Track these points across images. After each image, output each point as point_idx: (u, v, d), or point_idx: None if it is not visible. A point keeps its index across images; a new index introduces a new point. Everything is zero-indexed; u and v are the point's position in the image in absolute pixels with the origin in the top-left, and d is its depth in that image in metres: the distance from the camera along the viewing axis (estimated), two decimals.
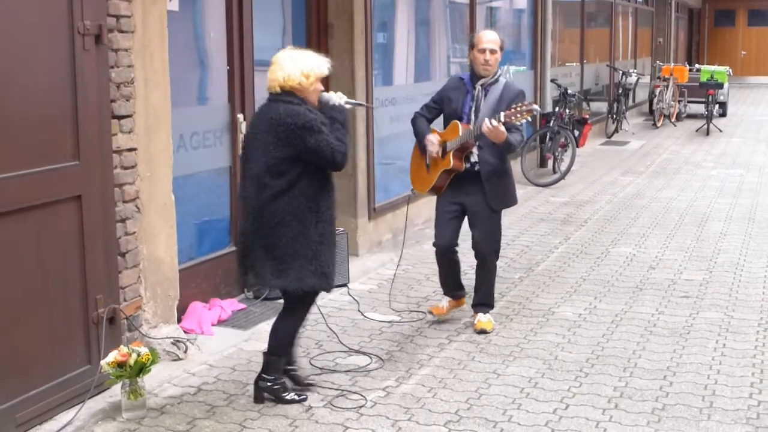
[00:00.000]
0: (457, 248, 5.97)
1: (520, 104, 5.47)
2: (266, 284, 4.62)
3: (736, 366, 5.28)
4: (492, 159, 5.70)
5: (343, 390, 4.92)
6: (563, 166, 12.20)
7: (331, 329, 5.71)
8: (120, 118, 4.93)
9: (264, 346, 4.84)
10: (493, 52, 5.67)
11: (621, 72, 17.68)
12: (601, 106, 17.58)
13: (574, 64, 15.99)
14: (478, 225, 5.83)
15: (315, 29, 7.61)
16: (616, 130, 17.23)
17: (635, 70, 18.69)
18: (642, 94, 20.94)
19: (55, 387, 4.51)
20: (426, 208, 8.39)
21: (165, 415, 4.62)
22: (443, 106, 5.87)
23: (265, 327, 5.42)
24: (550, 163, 12.65)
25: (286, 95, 4.49)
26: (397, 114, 8.56)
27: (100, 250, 4.78)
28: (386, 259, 7.64)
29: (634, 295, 6.75)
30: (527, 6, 13.04)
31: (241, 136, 5.89)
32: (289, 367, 4.84)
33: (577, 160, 12.41)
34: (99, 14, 4.71)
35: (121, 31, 4.89)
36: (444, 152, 5.70)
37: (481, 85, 5.73)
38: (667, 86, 19.22)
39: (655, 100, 18.98)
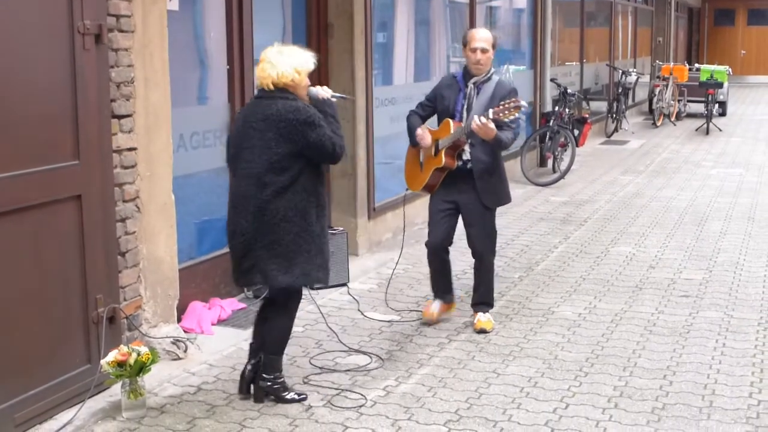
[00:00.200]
0: (449, 248, 5.97)
1: (507, 101, 5.49)
2: (272, 282, 4.56)
3: (735, 365, 5.29)
4: (484, 156, 5.70)
5: (342, 389, 4.92)
6: (563, 166, 12.20)
7: (330, 329, 5.71)
8: (120, 117, 4.93)
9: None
10: (484, 51, 5.68)
11: (621, 71, 17.68)
12: (600, 106, 17.57)
13: (574, 63, 15.99)
14: (472, 223, 5.84)
15: (315, 29, 7.62)
16: (615, 130, 17.24)
17: (635, 70, 18.70)
18: (642, 94, 20.95)
19: (55, 386, 4.51)
20: (425, 207, 8.32)
21: (165, 414, 4.62)
22: (437, 104, 5.89)
23: None
24: (549, 162, 12.65)
25: (281, 92, 4.51)
26: (397, 113, 8.56)
27: (100, 250, 4.78)
28: (386, 259, 7.65)
29: (634, 294, 6.75)
30: (527, 5, 13.04)
31: None
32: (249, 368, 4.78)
33: (577, 160, 12.41)
34: (99, 14, 4.71)
35: (121, 31, 4.89)
36: (436, 150, 5.71)
37: (474, 83, 5.74)
38: (667, 85, 19.22)
39: (655, 100, 18.97)
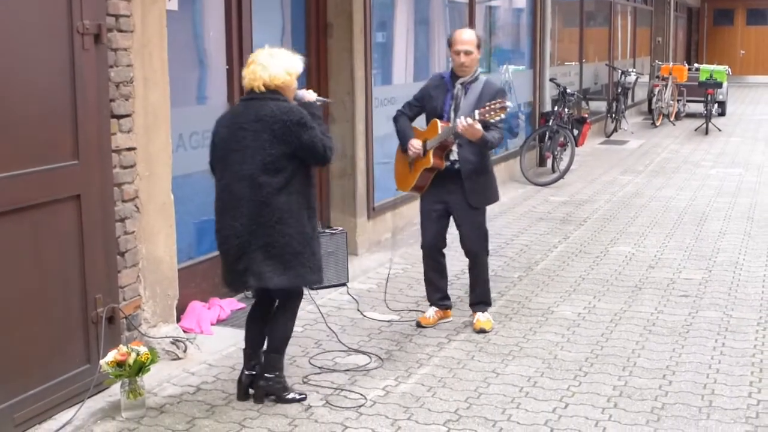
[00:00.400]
0: (443, 249, 5.97)
1: (493, 102, 5.49)
2: (267, 284, 4.54)
3: (735, 365, 5.29)
4: (471, 156, 5.71)
5: (342, 389, 4.92)
6: (562, 165, 12.20)
7: (330, 328, 5.71)
8: (119, 117, 4.93)
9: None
10: (468, 53, 5.68)
11: (620, 71, 17.69)
12: (600, 106, 17.58)
13: (573, 63, 16.00)
14: (462, 223, 5.84)
15: (314, 29, 7.62)
16: (615, 130, 17.24)
17: (634, 70, 18.71)
18: (641, 94, 20.96)
19: (54, 386, 4.51)
20: None
21: (164, 414, 4.62)
22: (424, 104, 5.89)
23: None
24: (549, 162, 12.64)
25: (272, 93, 4.51)
26: None
27: (99, 250, 4.78)
28: (385, 259, 7.64)
29: (634, 294, 6.75)
30: (526, 5, 13.04)
31: None
32: (248, 372, 4.76)
33: (576, 159, 12.41)
34: (98, 14, 4.71)
35: (121, 31, 4.89)
36: (425, 151, 5.71)
37: (461, 84, 5.75)
38: (666, 85, 19.22)
39: (654, 100, 18.98)
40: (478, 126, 5.44)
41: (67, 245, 4.59)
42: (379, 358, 5.41)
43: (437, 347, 5.61)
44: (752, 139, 16.76)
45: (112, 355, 4.53)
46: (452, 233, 6.00)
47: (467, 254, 5.93)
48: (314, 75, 7.65)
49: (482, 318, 5.91)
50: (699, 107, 18.96)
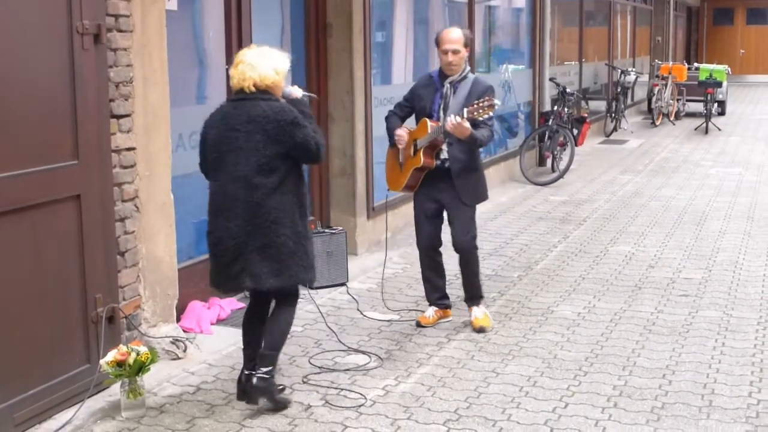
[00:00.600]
0: (440, 248, 5.97)
1: (481, 100, 5.50)
2: (263, 285, 4.50)
3: (735, 365, 5.29)
4: (461, 155, 5.71)
5: (342, 389, 4.92)
6: (562, 165, 12.20)
7: (330, 328, 5.71)
8: (119, 117, 4.93)
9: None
10: (455, 52, 5.68)
11: (620, 71, 17.69)
12: (599, 105, 17.58)
13: (573, 62, 15.99)
14: (455, 219, 5.83)
15: (314, 28, 7.62)
16: (614, 129, 17.24)
17: (634, 69, 18.70)
18: (641, 93, 20.95)
19: (54, 386, 4.51)
20: None
21: (164, 414, 4.62)
22: (414, 104, 5.90)
23: None
24: (548, 161, 12.64)
25: (263, 93, 4.48)
26: None
27: (99, 250, 4.78)
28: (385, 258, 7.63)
29: (633, 293, 6.75)
30: (526, 5, 13.04)
31: None
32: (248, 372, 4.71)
33: (576, 159, 12.41)
34: (98, 14, 4.71)
35: (120, 31, 4.89)
36: (415, 150, 5.72)
37: (450, 83, 5.75)
38: (666, 85, 19.22)
39: (654, 99, 18.97)
40: (467, 124, 5.45)
41: (67, 245, 4.59)
42: (379, 357, 5.41)
43: (437, 347, 5.61)
44: (752, 138, 16.76)
45: (112, 355, 4.53)
46: (448, 232, 5.99)
47: (458, 250, 5.91)
48: (314, 75, 7.66)
49: (479, 314, 5.90)
50: (699, 107, 18.96)
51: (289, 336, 4.79)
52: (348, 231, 7.29)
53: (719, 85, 18.97)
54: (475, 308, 5.95)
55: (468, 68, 5.82)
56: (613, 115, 17.32)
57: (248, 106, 4.45)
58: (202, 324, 5.83)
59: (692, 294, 6.72)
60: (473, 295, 6.00)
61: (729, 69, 20.76)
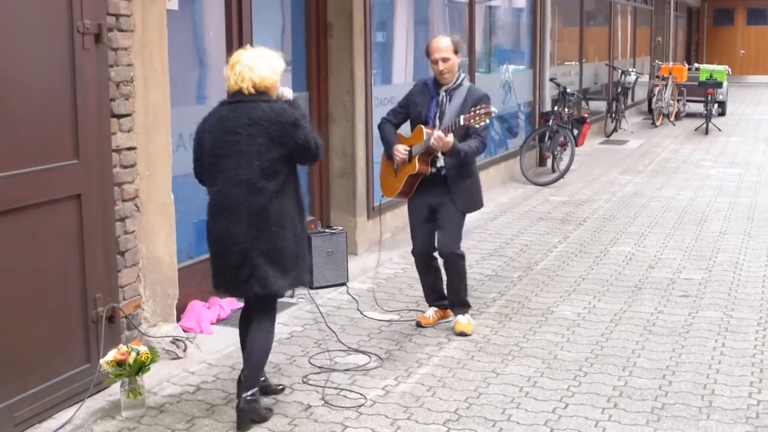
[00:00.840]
0: (435, 254, 5.95)
1: (478, 107, 5.49)
2: (271, 289, 4.41)
3: (735, 365, 5.29)
4: (457, 162, 5.69)
5: (342, 389, 4.92)
6: (562, 165, 12.20)
7: (330, 328, 5.71)
8: (119, 117, 4.93)
9: None
10: (445, 60, 5.67)
11: (620, 71, 17.69)
12: (600, 105, 17.58)
13: (573, 63, 16.00)
14: (444, 225, 5.79)
15: (314, 28, 7.62)
16: (615, 129, 17.24)
17: (634, 69, 18.70)
18: (641, 93, 20.96)
19: (54, 386, 4.51)
20: None
21: (164, 413, 4.62)
22: (409, 111, 5.88)
23: None
24: (549, 162, 12.65)
25: (261, 95, 4.40)
26: None
27: (99, 249, 4.78)
28: (385, 258, 7.64)
29: (633, 294, 6.75)
30: (526, 5, 13.04)
31: None
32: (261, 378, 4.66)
33: (576, 159, 12.41)
34: (98, 13, 4.71)
35: (121, 30, 4.89)
36: (410, 157, 5.71)
37: (445, 91, 5.75)
38: (666, 85, 19.22)
39: (654, 99, 18.97)
40: (449, 138, 5.45)
41: (67, 245, 4.59)
42: (379, 357, 5.41)
43: (437, 347, 5.61)
44: (752, 138, 16.76)
45: (112, 355, 4.53)
46: None
47: (443, 255, 5.86)
48: (314, 75, 7.66)
49: (462, 321, 5.85)
50: (699, 107, 18.96)
51: (275, 344, 4.68)
52: (348, 231, 7.29)
53: (719, 85, 18.97)
54: (460, 315, 5.90)
55: (462, 75, 5.80)
56: (614, 115, 17.32)
57: (247, 108, 4.36)
58: (202, 324, 5.83)
59: (692, 294, 6.72)
60: (459, 302, 5.94)
61: (729, 69, 20.77)
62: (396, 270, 7.34)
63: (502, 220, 9.46)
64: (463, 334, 5.80)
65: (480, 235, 8.68)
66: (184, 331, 5.58)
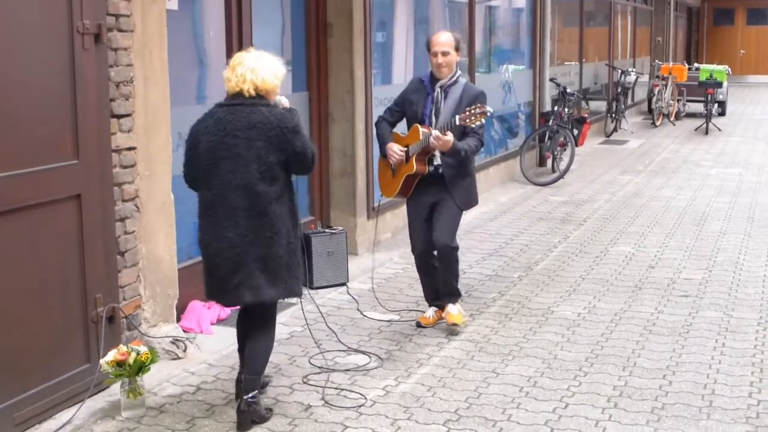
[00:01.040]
0: (434, 252, 5.95)
1: (473, 107, 5.48)
2: (262, 298, 4.37)
3: (735, 365, 5.28)
4: (454, 161, 5.69)
5: (342, 389, 4.92)
6: (562, 165, 12.20)
7: (330, 328, 5.71)
8: (119, 117, 4.93)
9: None
10: (445, 54, 5.67)
11: (620, 71, 17.69)
12: (600, 105, 17.58)
13: (573, 63, 15.99)
14: (440, 218, 5.76)
15: (314, 28, 7.62)
16: (615, 129, 17.24)
17: (634, 69, 18.70)
18: (641, 93, 20.96)
19: (54, 386, 4.51)
20: None
21: (164, 414, 4.62)
22: (405, 109, 5.88)
23: None
24: (549, 162, 12.65)
25: (261, 99, 4.36)
26: None
27: (99, 249, 4.78)
28: (385, 258, 7.64)
29: (634, 294, 6.75)
30: (526, 5, 13.04)
31: None
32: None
33: (576, 159, 12.41)
34: (98, 13, 4.71)
35: (121, 30, 4.89)
36: (407, 157, 5.71)
37: (441, 87, 5.74)
38: (666, 85, 19.22)
39: (654, 99, 18.97)
40: (448, 137, 5.45)
41: (67, 245, 4.59)
42: (379, 357, 5.41)
43: (437, 347, 5.61)
44: (752, 138, 16.76)
45: (112, 355, 4.53)
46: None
47: (438, 248, 5.81)
48: (314, 75, 7.66)
49: (453, 311, 5.82)
50: (699, 107, 18.96)
51: (275, 344, 4.67)
52: (348, 231, 7.29)
53: (719, 85, 18.97)
54: (450, 305, 5.87)
55: (459, 73, 5.80)
56: (614, 115, 17.32)
57: (246, 112, 4.31)
58: (202, 324, 5.83)
59: (692, 294, 6.72)
60: (450, 292, 5.92)
61: (729, 69, 20.76)
62: (396, 270, 7.34)
63: (502, 220, 9.46)
64: (455, 326, 5.78)
65: (480, 235, 8.68)
66: (184, 331, 5.58)
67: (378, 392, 4.90)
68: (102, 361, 4.56)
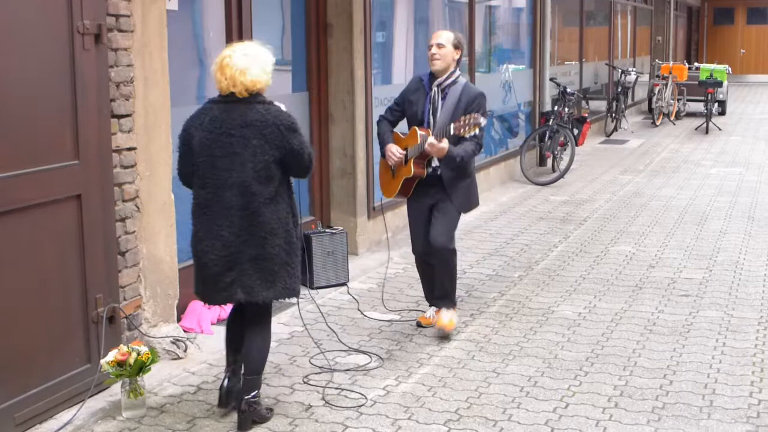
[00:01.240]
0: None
1: (468, 117, 5.42)
2: (256, 298, 4.33)
3: (736, 365, 5.28)
4: (453, 163, 5.68)
5: (342, 389, 4.92)
6: (562, 165, 12.21)
7: (330, 328, 5.71)
8: (119, 117, 4.93)
9: None
10: (440, 46, 5.65)
11: (620, 70, 17.68)
12: (600, 105, 17.58)
13: (573, 62, 16.00)
14: (438, 218, 5.74)
15: (314, 28, 7.62)
16: (615, 129, 17.24)
17: (634, 69, 18.69)
18: (641, 93, 20.96)
19: (55, 386, 4.51)
20: None
21: (165, 414, 4.62)
22: (405, 109, 5.87)
23: None
24: (549, 161, 12.65)
25: (256, 96, 4.32)
26: None
27: (99, 249, 4.78)
28: (386, 258, 7.63)
29: (634, 293, 6.75)
30: (526, 4, 13.04)
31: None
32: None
33: (577, 159, 12.41)
34: (98, 14, 4.71)
35: (121, 31, 4.89)
36: (406, 159, 5.70)
37: (438, 86, 5.71)
38: (666, 85, 19.22)
39: (654, 99, 18.97)
40: (443, 145, 5.44)
41: (67, 245, 4.59)
42: (380, 357, 5.41)
43: (438, 347, 5.61)
44: (753, 138, 16.76)
45: (112, 355, 4.53)
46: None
47: (436, 249, 5.74)
48: (314, 75, 7.66)
49: (444, 318, 5.74)
50: (699, 106, 18.97)
51: (275, 344, 4.65)
52: (348, 231, 7.29)
53: (720, 84, 18.97)
54: (444, 309, 5.80)
55: (458, 72, 5.77)
56: (614, 115, 17.32)
57: (241, 110, 4.28)
58: (202, 324, 5.83)
59: (693, 294, 6.72)
60: (444, 294, 5.83)
61: (729, 69, 20.76)
62: (396, 270, 7.34)
63: (503, 219, 9.46)
64: (443, 332, 5.73)
65: (480, 235, 8.68)
66: (185, 331, 5.58)
67: (378, 392, 4.90)
68: (102, 361, 4.56)
